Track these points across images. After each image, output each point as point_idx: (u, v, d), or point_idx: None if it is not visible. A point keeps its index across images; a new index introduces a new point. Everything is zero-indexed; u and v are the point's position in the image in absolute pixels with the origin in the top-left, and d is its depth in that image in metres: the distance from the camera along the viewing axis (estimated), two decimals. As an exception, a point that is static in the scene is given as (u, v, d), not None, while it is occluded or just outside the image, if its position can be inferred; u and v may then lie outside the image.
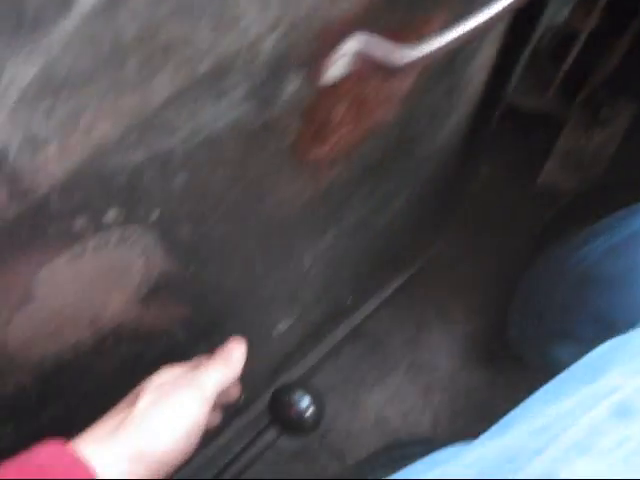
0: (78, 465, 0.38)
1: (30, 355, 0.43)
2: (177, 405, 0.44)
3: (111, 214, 0.37)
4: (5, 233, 0.31)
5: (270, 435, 0.63)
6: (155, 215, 0.40)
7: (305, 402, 0.62)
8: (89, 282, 0.41)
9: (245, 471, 0.65)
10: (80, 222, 0.35)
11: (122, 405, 0.45)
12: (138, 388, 0.47)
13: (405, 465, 0.42)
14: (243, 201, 0.48)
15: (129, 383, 0.64)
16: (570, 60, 0.92)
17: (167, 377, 0.47)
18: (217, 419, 0.54)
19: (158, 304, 0.52)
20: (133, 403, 0.44)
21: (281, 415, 0.62)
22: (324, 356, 1.05)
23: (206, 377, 0.48)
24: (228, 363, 0.50)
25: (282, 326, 0.85)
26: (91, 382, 0.55)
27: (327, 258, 0.78)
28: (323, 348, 1.05)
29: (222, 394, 0.51)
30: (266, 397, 1.01)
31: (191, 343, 0.64)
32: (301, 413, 0.62)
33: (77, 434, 0.42)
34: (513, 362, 1.09)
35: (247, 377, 0.92)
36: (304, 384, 0.65)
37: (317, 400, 0.63)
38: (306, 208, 0.62)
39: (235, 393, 0.55)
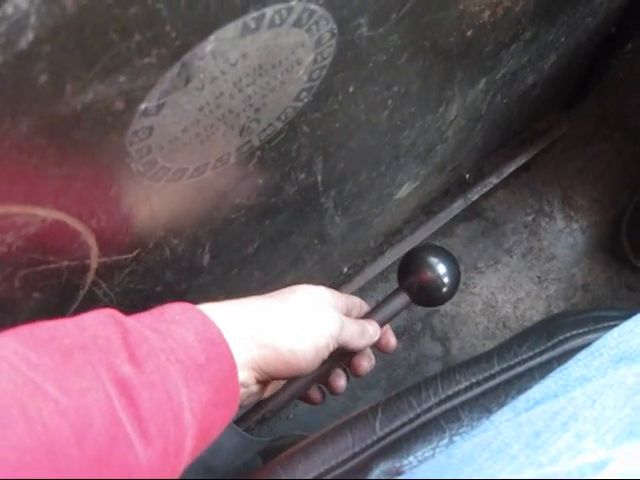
0: (206, 324, 0.37)
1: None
2: (310, 318, 0.43)
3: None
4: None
5: (397, 303, 0.54)
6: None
7: (442, 268, 0.54)
8: (257, 63, 0.33)
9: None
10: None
11: (264, 296, 0.44)
12: (285, 289, 0.46)
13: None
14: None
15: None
16: None
17: (313, 290, 0.45)
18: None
19: (302, 128, 0.45)
20: (274, 298, 0.44)
21: (412, 280, 0.54)
22: (435, 233, 0.97)
23: (343, 321, 0.45)
24: (363, 330, 0.48)
25: (404, 190, 0.77)
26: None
27: (470, 112, 0.69)
28: (435, 224, 0.97)
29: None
30: (373, 269, 0.95)
31: (325, 190, 0.57)
32: (436, 280, 0.53)
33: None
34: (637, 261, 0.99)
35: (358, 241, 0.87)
36: (440, 247, 0.57)
37: (455, 267, 0.55)
38: (472, 39, 0.52)
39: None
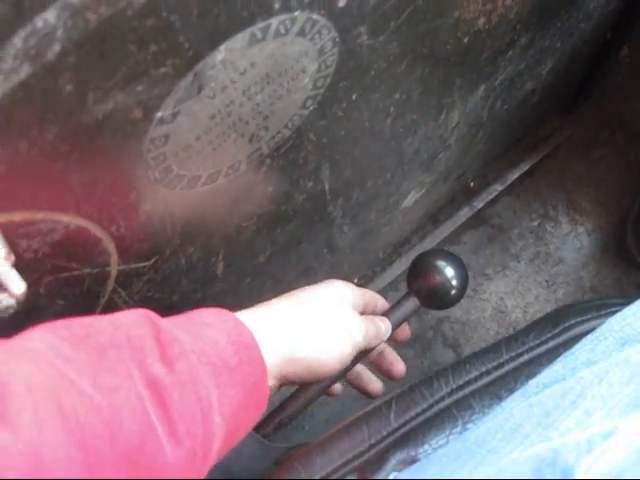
0: (239, 327, 0.38)
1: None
2: (336, 327, 0.44)
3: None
4: None
5: (407, 307, 0.56)
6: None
7: (450, 271, 0.55)
8: (264, 71, 0.35)
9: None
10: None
11: (288, 298, 0.45)
12: (307, 289, 0.47)
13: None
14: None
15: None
16: None
17: (334, 290, 0.47)
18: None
19: (309, 136, 0.47)
20: (300, 303, 0.45)
21: (421, 284, 0.55)
22: (443, 241, 0.98)
23: (367, 327, 0.47)
24: (378, 331, 0.49)
25: (410, 198, 0.79)
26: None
27: (471, 119, 0.71)
28: (442, 233, 0.98)
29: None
30: (382, 279, 0.97)
31: (332, 198, 0.59)
32: (445, 283, 0.55)
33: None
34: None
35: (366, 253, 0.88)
36: (448, 251, 0.58)
37: (463, 269, 0.56)
38: (468, 46, 0.54)
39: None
